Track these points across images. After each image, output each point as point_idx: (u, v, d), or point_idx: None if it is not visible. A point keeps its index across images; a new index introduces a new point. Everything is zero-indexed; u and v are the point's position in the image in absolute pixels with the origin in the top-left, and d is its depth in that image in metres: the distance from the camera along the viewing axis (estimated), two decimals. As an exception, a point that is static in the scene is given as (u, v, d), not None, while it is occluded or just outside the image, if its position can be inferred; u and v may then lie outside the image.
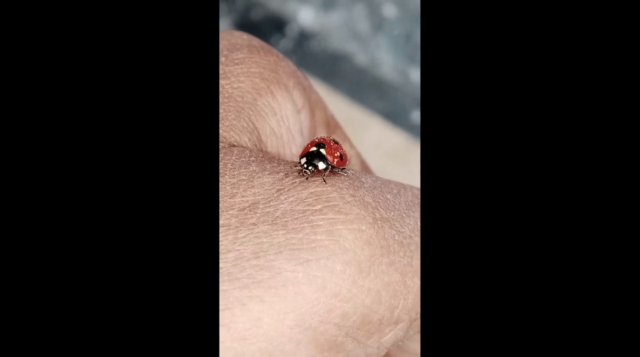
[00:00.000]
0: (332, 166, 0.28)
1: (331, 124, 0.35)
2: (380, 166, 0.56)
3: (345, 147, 0.35)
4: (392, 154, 0.63)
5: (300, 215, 0.25)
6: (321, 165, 0.27)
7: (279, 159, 0.28)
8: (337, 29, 0.71)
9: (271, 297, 0.24)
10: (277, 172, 0.27)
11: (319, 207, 0.25)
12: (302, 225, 0.25)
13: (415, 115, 0.66)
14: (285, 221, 0.25)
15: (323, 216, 0.25)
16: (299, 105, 0.31)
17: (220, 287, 0.23)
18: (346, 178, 0.27)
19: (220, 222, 0.25)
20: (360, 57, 0.70)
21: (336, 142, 0.29)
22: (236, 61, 0.30)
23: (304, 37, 0.72)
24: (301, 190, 0.26)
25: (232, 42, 0.31)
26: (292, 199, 0.26)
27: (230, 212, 0.25)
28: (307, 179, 0.26)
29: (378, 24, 0.70)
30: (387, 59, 0.69)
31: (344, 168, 0.28)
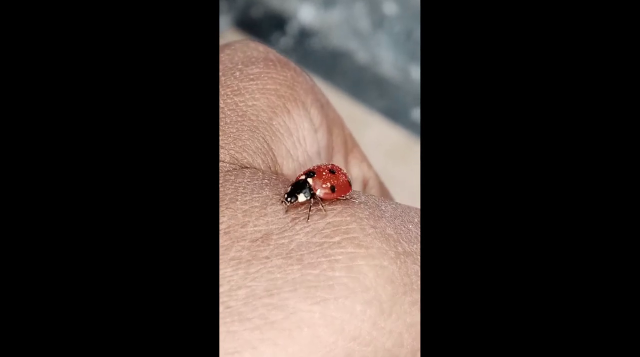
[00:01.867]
0: (316, 198, 0.25)
1: (349, 143, 0.33)
2: (381, 164, 0.56)
3: (363, 169, 0.34)
4: (393, 152, 0.63)
5: (317, 248, 0.23)
6: (301, 197, 0.25)
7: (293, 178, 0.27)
8: (337, 27, 0.71)
9: (285, 340, 0.22)
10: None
11: (337, 239, 0.24)
12: (319, 259, 0.23)
13: (416, 113, 0.66)
14: (301, 254, 0.23)
15: (342, 250, 0.23)
16: (317, 123, 0.30)
17: (230, 328, 0.22)
18: (366, 207, 0.25)
19: (231, 254, 0.23)
20: (361, 55, 0.70)
21: (332, 172, 0.26)
22: (251, 76, 0.28)
23: (304, 34, 0.72)
24: (318, 219, 0.24)
25: (247, 54, 0.30)
26: (308, 229, 0.24)
27: (241, 244, 0.23)
28: (286, 211, 0.24)
29: (379, 21, 0.69)
30: (387, 57, 0.69)
31: (342, 197, 0.26)
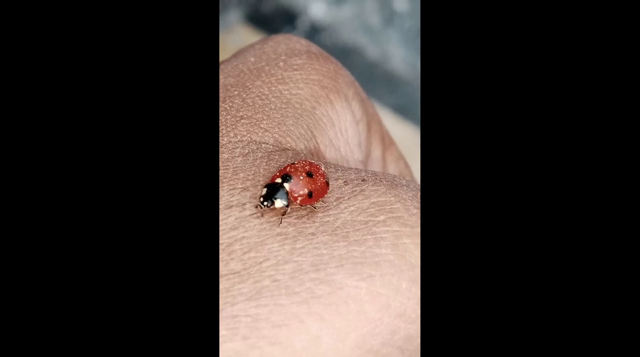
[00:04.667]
0: (292, 203, 0.25)
1: (386, 139, 0.33)
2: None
3: (400, 166, 0.33)
4: (402, 147, 0.63)
5: (362, 226, 0.24)
6: (277, 203, 0.24)
7: (335, 165, 0.27)
8: (348, 23, 0.71)
9: (331, 314, 0.22)
10: (336, 179, 0.25)
11: (382, 218, 0.24)
12: (364, 237, 0.23)
13: (426, 110, 0.66)
14: (347, 231, 0.23)
15: (387, 228, 0.24)
16: (357, 117, 0.30)
17: (277, 301, 0.22)
18: (408, 190, 0.25)
19: (277, 230, 0.23)
20: (371, 51, 0.70)
21: (310, 175, 0.25)
22: (295, 67, 0.29)
23: (314, 30, 0.72)
24: (362, 199, 0.24)
25: (290, 46, 0.30)
26: (352, 208, 0.24)
27: (287, 220, 0.24)
28: (262, 215, 0.24)
29: (389, 17, 0.69)
30: (397, 53, 0.69)
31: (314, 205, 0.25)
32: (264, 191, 0.24)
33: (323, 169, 0.26)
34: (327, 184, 0.25)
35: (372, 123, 0.31)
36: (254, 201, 0.24)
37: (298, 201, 0.25)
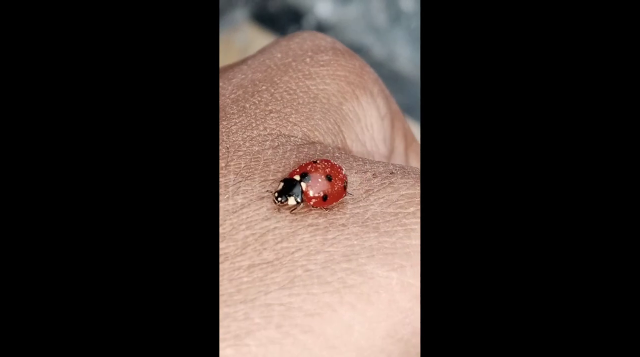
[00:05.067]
0: (303, 203, 0.24)
1: (408, 136, 0.33)
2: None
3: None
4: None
5: (392, 218, 0.24)
6: (291, 201, 0.24)
7: (363, 158, 0.27)
8: (354, 22, 0.71)
9: (363, 304, 0.22)
10: (365, 172, 0.26)
11: (412, 210, 0.24)
12: (394, 228, 0.23)
13: (432, 110, 0.66)
14: (377, 223, 0.24)
15: (417, 220, 0.24)
16: (382, 112, 0.30)
17: (310, 290, 0.22)
18: None
19: (308, 221, 0.24)
20: (377, 51, 0.70)
21: (329, 179, 0.25)
22: (321, 63, 0.29)
23: (321, 29, 0.72)
24: (391, 192, 0.25)
25: (316, 43, 0.31)
26: (382, 200, 0.24)
27: (318, 211, 0.24)
28: (278, 210, 0.24)
29: (395, 17, 0.69)
30: (404, 53, 0.69)
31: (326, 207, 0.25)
32: (280, 185, 0.24)
33: (344, 172, 0.25)
34: (345, 188, 0.25)
35: (395, 120, 0.32)
36: (273, 193, 0.24)
37: (312, 203, 0.24)
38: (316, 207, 0.25)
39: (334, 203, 0.25)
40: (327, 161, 0.25)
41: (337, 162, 0.26)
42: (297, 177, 0.25)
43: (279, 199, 0.24)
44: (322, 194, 0.25)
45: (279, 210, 0.24)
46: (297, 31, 0.74)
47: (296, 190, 0.24)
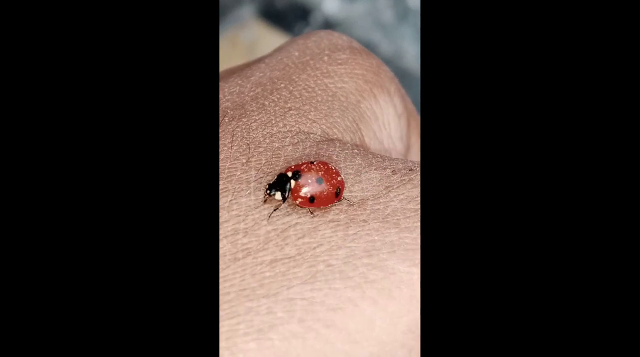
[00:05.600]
0: (287, 200, 0.24)
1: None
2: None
3: None
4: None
5: (413, 213, 0.24)
6: (277, 195, 0.24)
7: (382, 155, 0.27)
8: (361, 19, 0.71)
9: (385, 299, 0.22)
10: (384, 168, 0.26)
11: None
12: (415, 224, 0.24)
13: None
14: (397, 219, 0.24)
15: None
16: (399, 111, 0.30)
17: (332, 285, 0.22)
18: None
19: (329, 217, 0.24)
20: (385, 47, 0.70)
21: (319, 182, 0.25)
22: (339, 61, 0.30)
23: (328, 26, 0.72)
24: (411, 188, 0.25)
25: (333, 42, 0.31)
26: (402, 197, 0.24)
27: (339, 207, 0.24)
28: (264, 202, 0.24)
29: (403, 14, 0.69)
30: (411, 50, 0.69)
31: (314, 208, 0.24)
32: (274, 178, 0.25)
33: (340, 178, 0.25)
34: (337, 195, 0.25)
35: (411, 118, 0.32)
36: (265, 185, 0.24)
37: (297, 202, 0.24)
38: (302, 207, 0.24)
39: (322, 207, 0.24)
40: (325, 164, 0.25)
41: (357, 159, 0.26)
42: (290, 174, 0.25)
43: (268, 191, 0.24)
44: (309, 195, 0.25)
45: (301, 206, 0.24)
46: (306, 28, 0.74)
47: (285, 186, 0.24)
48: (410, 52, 0.69)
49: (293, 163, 0.25)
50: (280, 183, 0.24)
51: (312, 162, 0.25)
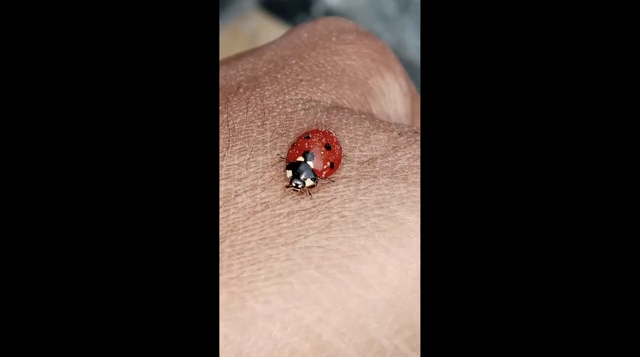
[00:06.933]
0: (318, 178, 0.25)
1: None
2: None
3: None
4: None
5: (419, 170, 0.25)
6: (309, 182, 0.25)
7: (388, 121, 0.28)
8: (363, 10, 0.71)
9: (396, 246, 0.24)
10: (391, 131, 0.27)
11: None
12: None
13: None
14: (405, 175, 0.25)
15: None
16: (404, 90, 0.32)
17: (346, 235, 0.24)
18: None
19: (342, 174, 0.25)
20: (386, 39, 0.70)
21: (328, 148, 0.26)
22: (347, 41, 0.31)
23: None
24: (417, 148, 0.26)
25: (340, 25, 0.32)
26: (409, 155, 0.26)
27: (350, 165, 0.26)
28: (299, 193, 0.25)
29: (405, 5, 0.69)
30: (413, 41, 0.69)
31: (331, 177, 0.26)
32: (289, 173, 0.25)
33: (333, 134, 0.26)
34: (341, 149, 0.26)
35: (415, 101, 0.33)
36: (289, 185, 0.25)
37: (323, 175, 0.26)
38: (329, 178, 0.26)
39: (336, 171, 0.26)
40: (317, 131, 0.26)
41: (366, 123, 0.27)
42: (301, 158, 0.26)
43: (299, 185, 0.25)
44: (329, 164, 0.26)
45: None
46: (308, 19, 0.74)
47: (307, 172, 0.25)
48: (412, 44, 0.69)
49: (306, 125, 0.27)
50: (300, 172, 0.25)
51: (308, 137, 0.26)
